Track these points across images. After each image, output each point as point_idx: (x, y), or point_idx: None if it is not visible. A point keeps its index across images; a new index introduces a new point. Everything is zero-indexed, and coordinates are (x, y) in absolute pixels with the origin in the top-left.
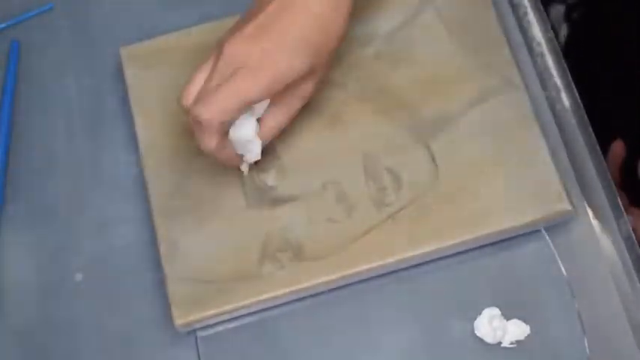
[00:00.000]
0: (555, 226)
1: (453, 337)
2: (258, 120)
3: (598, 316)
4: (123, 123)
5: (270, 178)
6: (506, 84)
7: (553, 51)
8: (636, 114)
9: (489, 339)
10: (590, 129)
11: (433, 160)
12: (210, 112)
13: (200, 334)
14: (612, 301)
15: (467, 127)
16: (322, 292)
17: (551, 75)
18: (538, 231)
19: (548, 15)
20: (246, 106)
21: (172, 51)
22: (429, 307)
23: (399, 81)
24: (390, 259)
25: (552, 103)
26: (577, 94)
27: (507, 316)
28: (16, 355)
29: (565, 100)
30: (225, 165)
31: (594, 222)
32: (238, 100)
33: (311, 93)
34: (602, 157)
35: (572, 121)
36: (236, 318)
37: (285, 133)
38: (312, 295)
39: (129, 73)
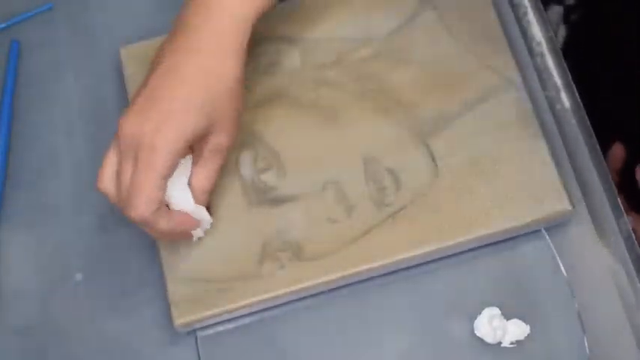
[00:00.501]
0: (555, 226)
1: (453, 337)
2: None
3: (598, 316)
4: None
5: (270, 179)
6: (507, 84)
7: (553, 51)
8: (636, 114)
9: (489, 339)
10: (591, 129)
11: (433, 160)
12: (138, 211)
13: (200, 334)
14: (612, 301)
15: (467, 127)
16: (322, 292)
17: (551, 75)
18: (538, 231)
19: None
20: (166, 179)
21: None
22: (429, 307)
23: (399, 81)
24: (390, 259)
25: (552, 103)
26: (577, 94)
27: (507, 316)
28: (16, 355)
29: (565, 100)
30: (182, 236)
31: (594, 222)
32: (153, 182)
33: (227, 145)
34: (602, 157)
35: (572, 121)
36: (236, 318)
37: (285, 133)
38: (312, 295)
39: (129, 73)
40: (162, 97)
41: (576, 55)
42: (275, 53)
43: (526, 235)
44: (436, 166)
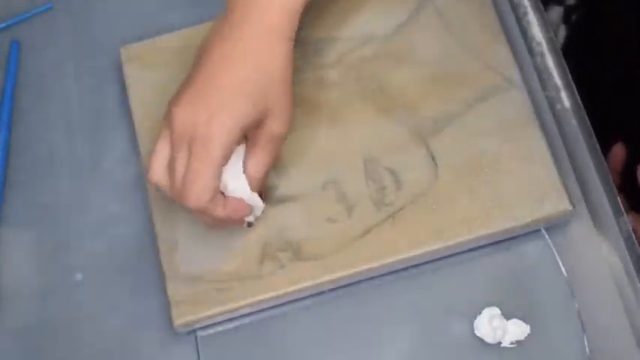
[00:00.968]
0: (555, 226)
1: (453, 336)
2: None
3: (598, 316)
4: (123, 123)
5: (270, 178)
6: (507, 83)
7: (553, 51)
8: (636, 114)
9: (489, 339)
10: (591, 129)
11: (433, 159)
12: (195, 200)
13: (200, 334)
14: (612, 301)
15: (467, 127)
16: (322, 292)
17: (551, 75)
18: (538, 231)
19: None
20: (221, 168)
21: (172, 51)
22: (429, 306)
23: (399, 81)
24: (390, 259)
25: (552, 103)
26: (577, 94)
27: (507, 316)
28: (16, 355)
29: (565, 100)
30: (235, 224)
31: (594, 222)
32: (209, 171)
33: (281, 132)
34: (602, 157)
35: (572, 121)
36: (236, 318)
37: None
38: (312, 295)
39: (129, 73)
40: (215, 87)
41: (576, 55)
42: None
43: (526, 235)
44: (436, 165)
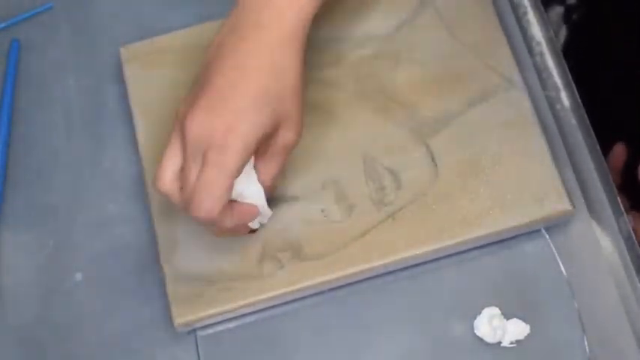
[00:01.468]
0: (555, 226)
1: (453, 336)
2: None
3: (598, 316)
4: (123, 123)
5: None
6: (507, 83)
7: (553, 51)
8: (636, 114)
9: (489, 338)
10: (591, 129)
11: (433, 159)
12: (206, 211)
13: (200, 333)
14: (612, 301)
15: (467, 127)
16: (322, 292)
17: (551, 75)
18: (538, 231)
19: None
20: (234, 179)
21: (172, 51)
22: (429, 306)
23: (399, 81)
24: (390, 259)
25: (552, 103)
26: (577, 94)
27: (507, 316)
28: (16, 354)
29: (565, 100)
30: (241, 232)
31: (594, 222)
32: (224, 182)
33: (294, 141)
34: (602, 157)
35: (572, 121)
36: (236, 318)
37: None
38: (312, 295)
39: (129, 73)
40: (230, 96)
41: (576, 55)
42: None
43: (526, 235)
44: (436, 165)
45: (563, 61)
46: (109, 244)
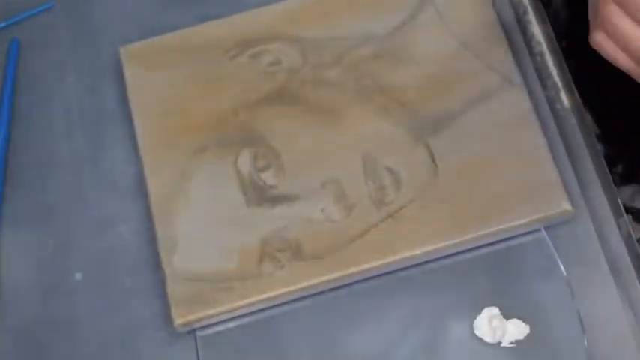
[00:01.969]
0: (555, 226)
1: (453, 336)
2: None
3: (598, 316)
4: (123, 123)
5: (269, 178)
6: (506, 83)
7: (553, 51)
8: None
9: (489, 338)
10: (590, 129)
11: (433, 159)
12: None
13: (199, 333)
14: (612, 301)
15: (466, 127)
16: (322, 292)
17: (551, 75)
18: (538, 231)
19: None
20: None
21: (172, 51)
22: (429, 306)
23: (399, 81)
24: (390, 259)
25: (552, 103)
26: (577, 94)
27: (507, 316)
28: (16, 354)
29: (565, 99)
30: None
31: (594, 222)
32: None
33: None
34: (602, 157)
35: (572, 121)
36: (236, 318)
37: (285, 132)
38: (311, 295)
39: (129, 73)
40: None
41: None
42: (275, 53)
43: (526, 235)
44: (436, 165)
45: (563, 61)
46: (109, 244)
